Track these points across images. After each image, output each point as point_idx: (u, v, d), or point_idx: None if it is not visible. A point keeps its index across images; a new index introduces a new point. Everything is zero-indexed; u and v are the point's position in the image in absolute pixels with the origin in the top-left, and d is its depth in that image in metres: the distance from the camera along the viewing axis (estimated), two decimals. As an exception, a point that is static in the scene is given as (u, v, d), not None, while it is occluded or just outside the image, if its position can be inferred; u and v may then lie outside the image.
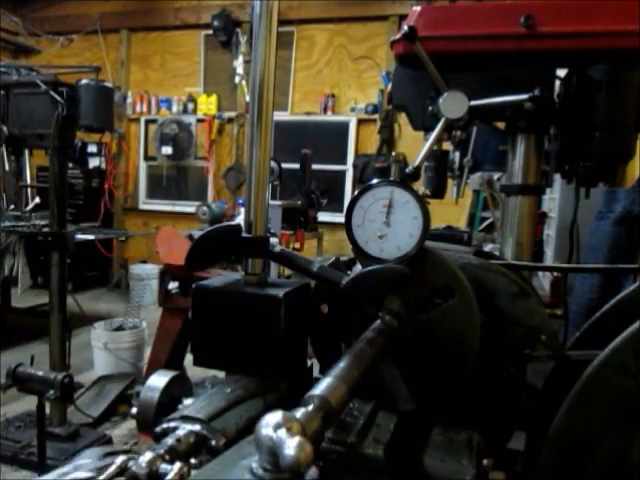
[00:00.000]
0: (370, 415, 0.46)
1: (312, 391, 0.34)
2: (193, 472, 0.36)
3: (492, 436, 0.51)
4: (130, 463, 0.37)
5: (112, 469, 0.38)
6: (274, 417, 0.28)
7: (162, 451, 0.36)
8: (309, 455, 0.27)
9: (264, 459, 0.28)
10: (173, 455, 0.37)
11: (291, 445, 0.27)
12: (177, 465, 0.35)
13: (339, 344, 0.53)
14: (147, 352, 3.73)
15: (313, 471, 0.33)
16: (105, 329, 4.00)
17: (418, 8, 1.34)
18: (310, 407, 0.33)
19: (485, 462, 0.45)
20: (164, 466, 0.35)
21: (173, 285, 3.47)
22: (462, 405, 0.53)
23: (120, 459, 0.38)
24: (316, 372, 0.56)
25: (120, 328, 4.08)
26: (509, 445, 0.57)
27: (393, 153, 0.60)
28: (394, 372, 0.48)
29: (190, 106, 7.34)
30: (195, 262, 0.54)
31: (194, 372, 0.66)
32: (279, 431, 0.27)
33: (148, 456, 0.35)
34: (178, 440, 0.38)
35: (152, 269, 6.56)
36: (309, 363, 0.58)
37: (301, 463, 0.26)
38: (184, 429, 0.40)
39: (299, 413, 0.31)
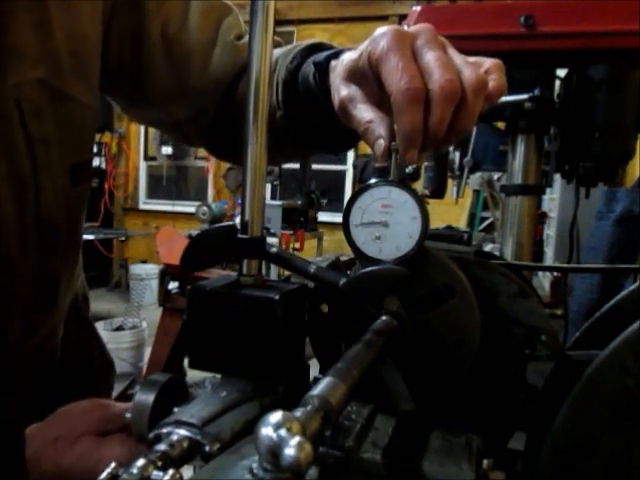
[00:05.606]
0: (368, 418, 0.46)
1: (312, 391, 0.34)
2: (186, 478, 0.35)
3: (492, 436, 0.51)
4: (121, 470, 0.35)
5: (103, 476, 0.36)
6: (274, 417, 0.28)
7: (154, 457, 0.35)
8: (309, 455, 0.27)
9: (264, 459, 0.28)
10: (166, 461, 0.35)
11: (291, 445, 0.27)
12: (170, 472, 0.34)
13: (339, 344, 0.53)
14: (147, 352, 3.73)
15: (313, 471, 0.33)
16: (105, 329, 3.99)
17: (418, 8, 1.34)
18: (310, 407, 0.32)
19: (485, 463, 0.45)
20: (156, 473, 0.34)
21: (173, 285, 3.47)
22: (462, 405, 0.53)
23: (111, 465, 0.37)
24: (316, 372, 0.56)
25: (120, 328, 4.08)
26: (509, 445, 0.57)
27: (393, 153, 0.59)
28: (394, 372, 0.47)
29: (190, 106, 7.34)
30: (190, 264, 0.53)
31: (194, 372, 0.66)
32: (279, 431, 0.27)
33: (140, 462, 0.34)
34: (171, 446, 0.37)
35: (152, 269, 6.56)
36: (308, 363, 0.58)
37: (301, 463, 0.26)
38: (177, 434, 0.39)
39: (299, 413, 0.31)
